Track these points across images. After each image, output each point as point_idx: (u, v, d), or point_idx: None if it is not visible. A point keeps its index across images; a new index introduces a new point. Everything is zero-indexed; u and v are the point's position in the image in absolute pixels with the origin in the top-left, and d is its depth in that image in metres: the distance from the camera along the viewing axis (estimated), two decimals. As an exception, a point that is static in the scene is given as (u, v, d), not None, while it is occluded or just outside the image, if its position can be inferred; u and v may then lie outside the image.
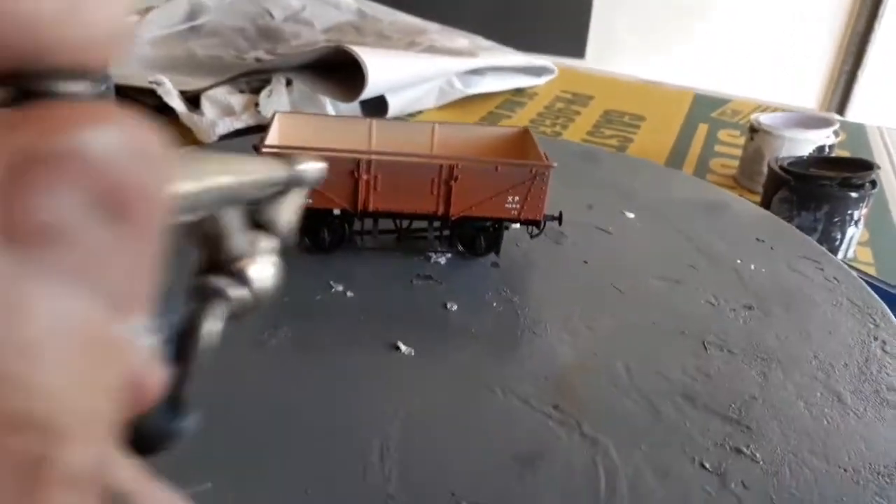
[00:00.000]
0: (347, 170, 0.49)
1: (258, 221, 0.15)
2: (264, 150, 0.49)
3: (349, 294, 0.50)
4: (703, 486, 0.37)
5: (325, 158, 0.50)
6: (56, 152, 0.09)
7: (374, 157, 0.49)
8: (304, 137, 0.54)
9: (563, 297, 0.52)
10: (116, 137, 0.09)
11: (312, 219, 0.52)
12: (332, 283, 0.50)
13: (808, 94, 2.07)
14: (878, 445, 0.41)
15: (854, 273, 0.57)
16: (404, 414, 0.40)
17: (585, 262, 0.56)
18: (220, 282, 0.13)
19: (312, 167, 0.16)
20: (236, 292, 0.13)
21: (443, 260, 0.54)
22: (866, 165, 0.66)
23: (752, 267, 0.57)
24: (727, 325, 0.50)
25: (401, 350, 0.45)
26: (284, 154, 0.15)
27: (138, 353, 0.10)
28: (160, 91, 0.80)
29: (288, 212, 0.15)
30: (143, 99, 0.84)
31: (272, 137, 0.53)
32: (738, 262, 0.57)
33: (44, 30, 0.10)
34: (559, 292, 0.52)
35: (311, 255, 0.53)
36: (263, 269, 0.14)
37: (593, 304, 0.51)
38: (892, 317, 0.52)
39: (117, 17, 0.11)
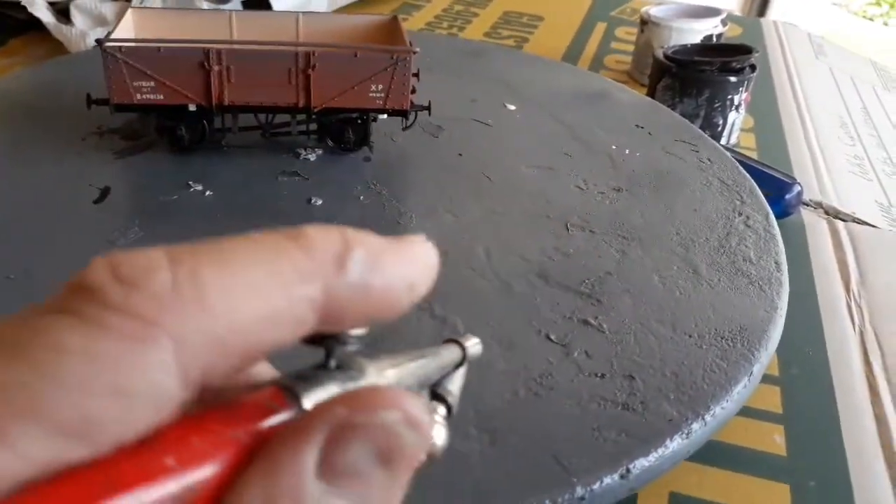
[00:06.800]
0: (197, 62, 0.47)
1: (435, 392, 0.19)
2: (107, 44, 0.46)
3: (208, 193, 0.48)
4: (546, 356, 0.37)
5: (172, 50, 0.47)
6: (360, 424, 0.14)
7: (224, 45, 0.47)
8: (160, 32, 0.52)
9: (433, 188, 0.51)
10: (397, 414, 0.14)
11: (166, 116, 0.50)
12: (190, 182, 0.49)
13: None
14: (726, 312, 0.41)
15: (728, 154, 0.57)
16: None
17: (460, 154, 0.55)
18: None
19: (475, 344, 0.20)
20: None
21: (313, 156, 0.53)
22: (745, 50, 0.66)
23: (627, 152, 0.57)
24: (593, 207, 0.50)
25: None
26: (460, 340, 0.19)
27: None
28: (25, 2, 0.74)
29: (458, 384, 0.19)
30: (8, 12, 0.77)
31: (125, 32, 0.50)
32: (614, 147, 0.57)
33: (402, 299, 0.15)
34: (429, 184, 0.52)
35: (173, 155, 0.51)
36: (440, 433, 0.17)
37: (462, 195, 0.50)
38: (760, 194, 0.53)
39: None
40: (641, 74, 0.81)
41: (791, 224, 0.57)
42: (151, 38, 0.50)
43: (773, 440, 0.39)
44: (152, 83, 0.47)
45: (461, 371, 0.20)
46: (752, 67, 0.66)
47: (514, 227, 0.47)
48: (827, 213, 0.59)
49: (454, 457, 0.32)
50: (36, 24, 0.75)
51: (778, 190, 0.56)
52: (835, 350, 0.45)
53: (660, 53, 0.68)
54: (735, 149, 0.66)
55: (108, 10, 0.74)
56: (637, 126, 0.60)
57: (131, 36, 0.51)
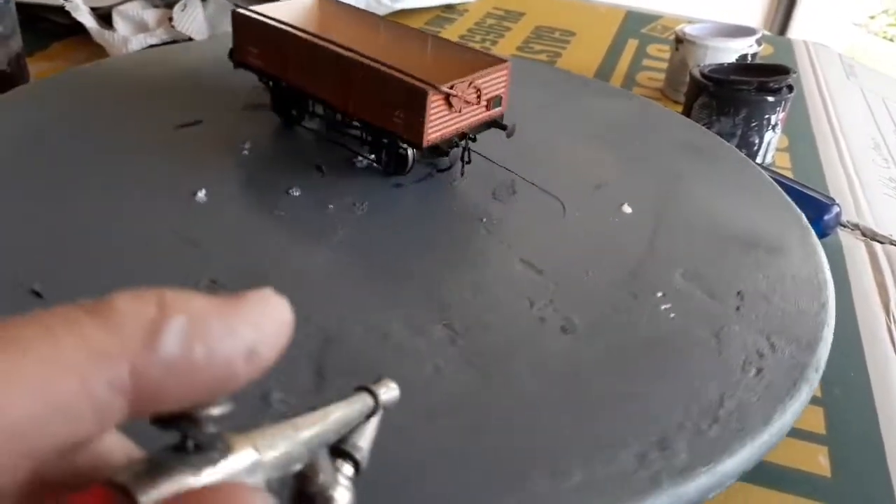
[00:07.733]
0: (281, 43, 0.51)
1: (340, 448, 0.17)
2: (235, 10, 0.53)
3: (244, 153, 0.53)
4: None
5: (268, 27, 0.52)
6: None
7: (296, 32, 0.50)
8: (319, 19, 0.57)
9: (394, 244, 0.45)
10: None
11: (273, 85, 0.55)
12: (246, 144, 0.53)
13: (750, 16, 1.97)
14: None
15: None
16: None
17: (482, 219, 0.48)
18: None
19: (391, 393, 0.18)
20: None
21: (364, 164, 0.52)
22: (783, 70, 0.66)
23: (662, 307, 0.41)
24: (503, 330, 0.38)
25: (196, 197, 0.47)
26: (371, 388, 0.18)
27: None
28: (69, 7, 0.74)
29: (368, 437, 0.17)
30: (52, 17, 0.79)
31: (290, 17, 0.56)
32: (659, 295, 0.42)
33: (239, 370, 0.13)
34: (399, 239, 0.46)
35: (279, 120, 0.56)
36: (343, 496, 0.16)
37: (411, 262, 0.44)
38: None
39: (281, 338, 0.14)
40: (675, 92, 0.79)
41: (829, 245, 0.53)
42: (300, 24, 0.54)
43: (818, 461, 0.39)
44: (257, 50, 0.54)
45: (373, 422, 0.17)
46: (790, 88, 0.65)
47: (404, 314, 0.39)
48: (864, 234, 0.58)
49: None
50: (77, 29, 0.76)
51: (817, 211, 0.55)
52: (876, 372, 0.44)
53: (696, 72, 0.67)
54: (771, 168, 0.63)
55: (150, 17, 0.76)
56: (737, 293, 0.43)
57: (311, 24, 0.57)
